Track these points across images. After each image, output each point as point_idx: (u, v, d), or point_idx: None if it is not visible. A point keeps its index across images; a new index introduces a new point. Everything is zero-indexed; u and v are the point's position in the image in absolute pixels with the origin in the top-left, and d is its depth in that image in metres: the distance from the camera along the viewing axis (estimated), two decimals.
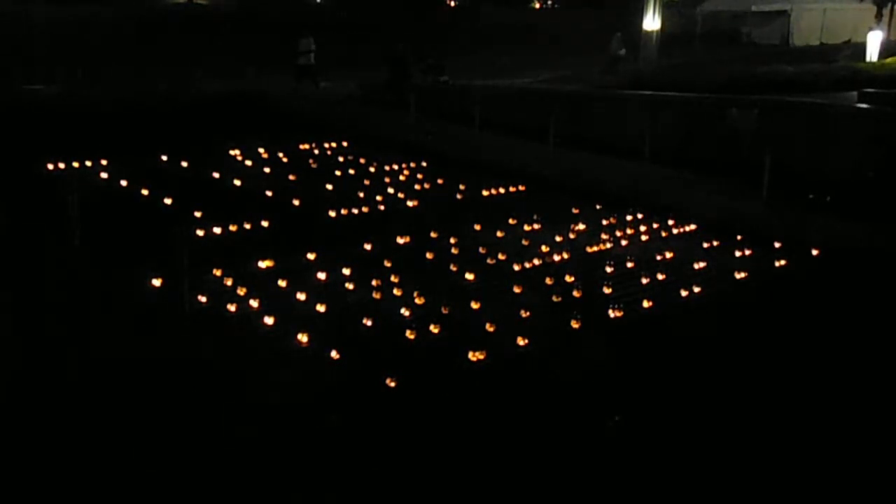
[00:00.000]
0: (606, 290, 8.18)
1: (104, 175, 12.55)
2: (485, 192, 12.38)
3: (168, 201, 10.98)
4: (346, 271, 8.42)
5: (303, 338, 6.77)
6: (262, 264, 8.60)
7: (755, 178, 11.70)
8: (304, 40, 23.17)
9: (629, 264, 8.98)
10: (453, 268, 8.71)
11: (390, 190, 12.34)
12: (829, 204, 11.54)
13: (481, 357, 6.53)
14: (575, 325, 7.26)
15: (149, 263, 8.31)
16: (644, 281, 8.46)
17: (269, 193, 11.93)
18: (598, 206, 11.37)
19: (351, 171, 13.64)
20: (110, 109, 18.29)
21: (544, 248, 9.42)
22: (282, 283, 8.03)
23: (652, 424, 5.77)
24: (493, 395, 6.10)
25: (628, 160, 13.98)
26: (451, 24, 45.74)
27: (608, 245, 9.74)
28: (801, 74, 22.95)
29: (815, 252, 9.49)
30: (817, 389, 6.35)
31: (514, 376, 6.44)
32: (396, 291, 7.93)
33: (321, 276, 8.32)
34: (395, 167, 13.90)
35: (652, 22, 25.27)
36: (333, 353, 6.52)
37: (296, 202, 11.44)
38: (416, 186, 12.72)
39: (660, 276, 8.61)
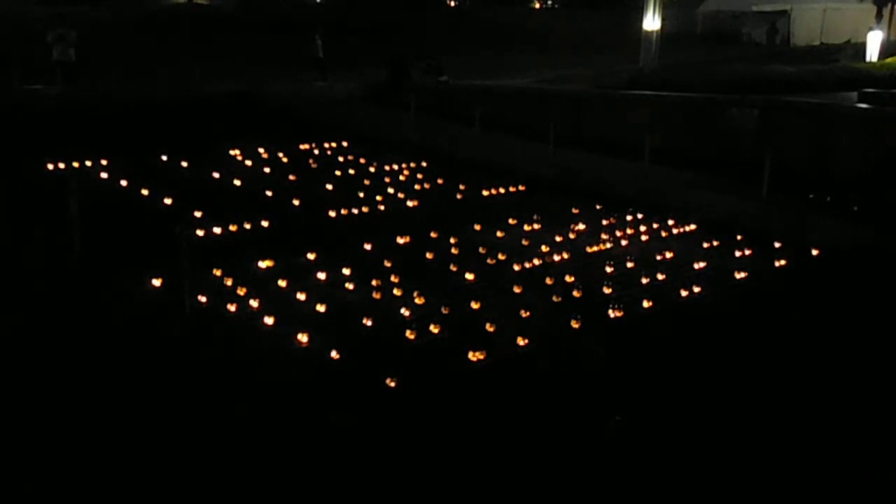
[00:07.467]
0: (606, 290, 8.17)
1: (104, 175, 12.55)
2: (485, 192, 12.38)
3: (168, 201, 10.98)
4: (346, 271, 8.42)
5: (303, 338, 6.78)
6: (262, 264, 8.60)
7: (755, 178, 11.71)
8: (61, 31, 20.56)
9: (629, 264, 8.97)
10: (453, 268, 8.71)
11: (390, 190, 12.33)
12: (829, 204, 11.54)
13: (481, 357, 6.53)
14: (575, 325, 7.26)
15: (149, 263, 8.31)
16: (644, 281, 8.46)
17: (269, 193, 11.93)
18: (598, 206, 11.37)
19: (351, 171, 13.64)
20: (110, 109, 18.27)
21: (544, 249, 9.42)
22: (282, 283, 8.03)
23: (652, 424, 5.77)
24: (494, 395, 6.10)
25: (628, 160, 13.98)
26: (451, 24, 45.73)
27: (608, 245, 9.74)
28: (802, 74, 22.94)
29: (815, 252, 9.49)
30: (817, 389, 6.35)
31: (514, 376, 6.44)
32: (396, 291, 7.93)
33: (321, 276, 8.32)
34: (395, 167, 13.89)
35: (652, 22, 25.22)
36: (333, 353, 6.52)
37: (296, 202, 11.44)
38: (416, 186, 12.72)
39: (660, 276, 8.61)
